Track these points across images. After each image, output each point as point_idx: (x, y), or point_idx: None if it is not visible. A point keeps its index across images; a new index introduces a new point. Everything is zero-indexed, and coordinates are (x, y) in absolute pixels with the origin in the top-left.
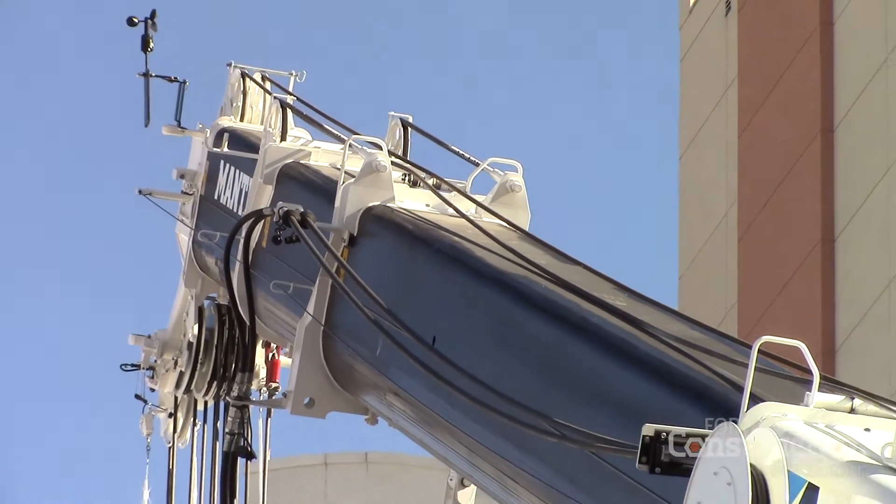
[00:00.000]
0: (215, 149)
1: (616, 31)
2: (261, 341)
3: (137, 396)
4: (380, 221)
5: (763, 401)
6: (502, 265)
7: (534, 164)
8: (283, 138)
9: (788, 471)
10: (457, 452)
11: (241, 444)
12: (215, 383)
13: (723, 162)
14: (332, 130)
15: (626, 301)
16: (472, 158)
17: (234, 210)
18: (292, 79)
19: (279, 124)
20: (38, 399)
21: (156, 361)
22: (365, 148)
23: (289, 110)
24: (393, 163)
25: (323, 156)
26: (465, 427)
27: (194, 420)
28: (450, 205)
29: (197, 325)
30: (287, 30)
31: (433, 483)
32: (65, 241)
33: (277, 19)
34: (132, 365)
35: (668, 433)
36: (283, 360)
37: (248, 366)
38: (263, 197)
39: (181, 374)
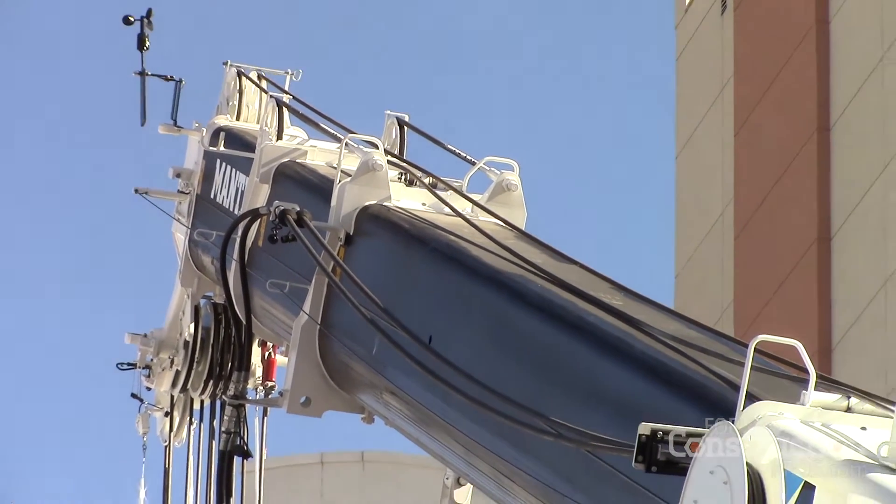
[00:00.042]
0: (211, 148)
1: (612, 30)
2: (257, 340)
3: (134, 395)
4: (376, 220)
5: (759, 400)
6: (499, 264)
7: (530, 163)
8: (279, 137)
9: (785, 470)
10: (453, 451)
11: (238, 443)
12: (211, 382)
13: (719, 161)
14: (329, 129)
15: (623, 300)
16: (468, 157)
17: (231, 209)
18: (288, 77)
19: (275, 123)
20: (34, 398)
21: (152, 360)
22: (361, 147)
23: (285, 109)
24: (389, 162)
25: (319, 155)
26: (462, 426)
27: (190, 419)
28: (446, 204)
29: (193, 323)
30: (283, 29)
31: (429, 482)
32: (61, 239)
33: (273, 18)
34: (128, 364)
35: (664, 432)
36: (280, 359)
37: (244, 365)
38: (260, 196)
39: (177, 373)
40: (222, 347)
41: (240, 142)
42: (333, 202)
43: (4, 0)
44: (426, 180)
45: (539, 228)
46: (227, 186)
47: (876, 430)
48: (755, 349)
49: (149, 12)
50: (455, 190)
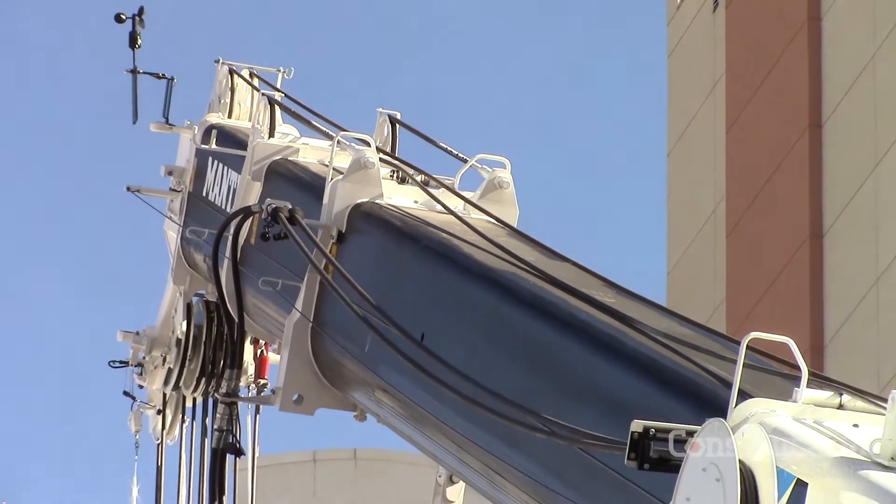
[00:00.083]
0: (203, 145)
1: (604, 27)
2: (249, 338)
3: (126, 393)
4: (368, 218)
5: (752, 397)
6: (491, 262)
7: (522, 161)
8: (271, 135)
9: (777, 467)
10: (445, 449)
11: (230, 440)
12: (204, 380)
13: (711, 158)
14: (321, 127)
15: (615, 297)
16: (460, 155)
17: (223, 207)
18: (280, 75)
19: (267, 121)
20: (27, 396)
21: (144, 358)
22: (353, 144)
23: (277, 107)
24: (381, 159)
25: (311, 152)
26: (454, 423)
27: (183, 417)
28: (438, 201)
29: (185, 321)
30: (274, 26)
31: (422, 479)
32: (53, 237)
33: (265, 16)
34: (121, 362)
35: (656, 429)
36: (272, 357)
37: (236, 362)
38: (252, 194)
39: (170, 371)
40: (214, 345)
41: (232, 140)
42: (325, 200)
43: None
44: (418, 178)
45: (531, 226)
46: (219, 184)
47: (868, 427)
48: (747, 346)
49: (140, 10)
50: (447, 187)
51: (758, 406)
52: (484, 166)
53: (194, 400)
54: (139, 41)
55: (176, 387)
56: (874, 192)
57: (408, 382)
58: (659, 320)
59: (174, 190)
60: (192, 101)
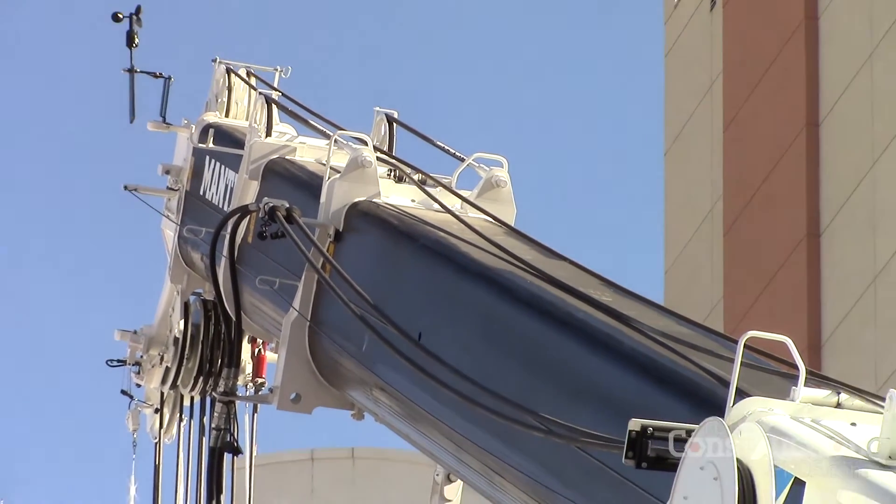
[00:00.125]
0: (200, 144)
1: (601, 26)
2: (247, 337)
3: (123, 392)
4: (365, 217)
5: (749, 396)
6: (488, 261)
7: (519, 160)
8: (268, 134)
9: (775, 466)
10: (443, 448)
11: (228, 439)
12: (201, 379)
13: (708, 157)
14: (318, 126)
15: (612, 296)
16: (457, 154)
17: (220, 206)
18: (277, 74)
19: (264, 120)
20: (23, 395)
21: (142, 357)
22: (350, 143)
23: (274, 106)
24: (378, 158)
25: (308, 151)
26: (452, 422)
27: (180, 416)
28: (435, 200)
29: (183, 320)
30: (272, 25)
31: (420, 478)
32: (50, 236)
33: (262, 15)
34: (118, 360)
35: (654, 428)
36: (270, 356)
37: (234, 361)
38: (249, 193)
39: (167, 370)
40: (212, 344)
41: (229, 138)
42: (323, 199)
43: None
44: (415, 177)
45: (528, 225)
46: (217, 183)
47: (866, 425)
48: (745, 345)
49: (138, 9)
50: (444, 186)
51: (755, 405)
52: (481, 165)
53: (192, 399)
54: (136, 40)
55: (173, 386)
56: (871, 191)
57: (405, 381)
58: (656, 319)
59: (171, 189)
60: (189, 100)
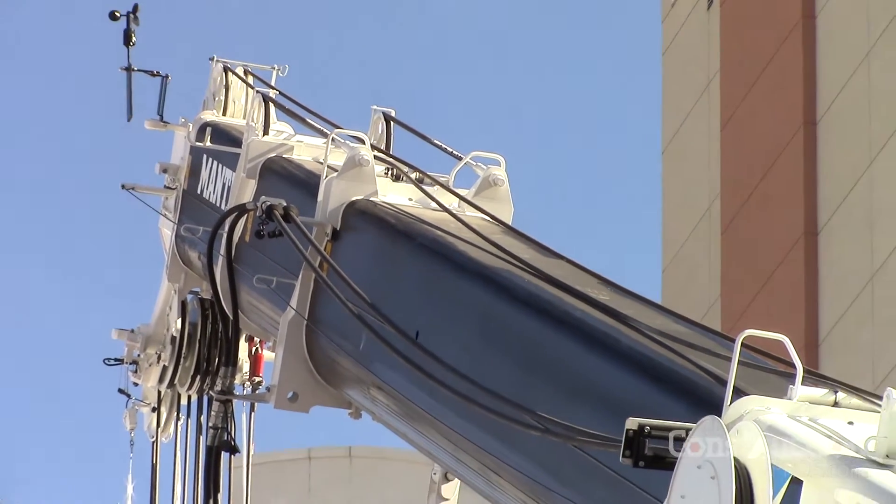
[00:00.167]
0: (198, 143)
1: (598, 25)
2: (244, 335)
3: (121, 391)
4: (363, 216)
5: (746, 394)
6: (485, 259)
7: (516, 158)
8: (265, 132)
9: (772, 464)
10: (440, 446)
11: (225, 438)
12: (198, 377)
13: (705, 156)
14: (315, 125)
15: (610, 295)
16: (454, 152)
17: (217, 204)
18: (275, 73)
19: (262, 118)
20: (20, 394)
21: (139, 356)
22: (347, 142)
23: (271, 104)
24: (376, 157)
25: (306, 150)
26: (449, 421)
27: (178, 414)
28: (433, 199)
29: (180, 319)
30: (269, 24)
31: (416, 477)
32: (47, 235)
33: (259, 13)
34: (115, 359)
35: (651, 427)
36: (267, 355)
37: (231, 360)
38: (246, 191)
39: (164, 369)
40: (209, 343)
41: (226, 137)
42: (320, 197)
43: None
44: (413, 175)
45: (526, 223)
46: (214, 182)
47: (863, 424)
48: (742, 344)
49: (135, 8)
50: (442, 185)
51: (753, 404)
52: (478, 164)
53: (189, 397)
54: (133, 39)
55: (171, 384)
56: (868, 190)
57: (402, 380)
58: (654, 318)
59: (169, 188)
60: (186, 99)
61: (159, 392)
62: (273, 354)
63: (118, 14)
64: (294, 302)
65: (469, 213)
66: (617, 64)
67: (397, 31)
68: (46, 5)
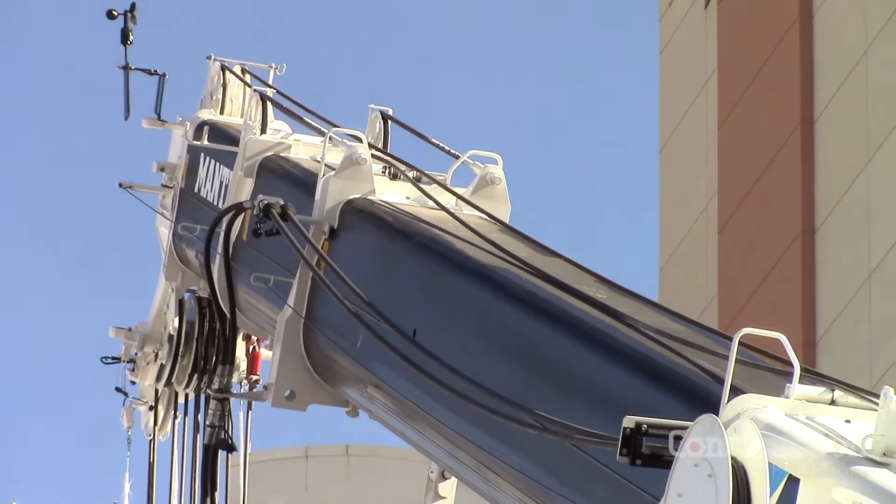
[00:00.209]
0: (195, 142)
1: (596, 24)
2: (241, 334)
3: (118, 389)
4: (360, 214)
5: (744, 393)
6: (483, 258)
7: (513, 157)
8: (263, 131)
9: (769, 463)
10: (437, 445)
11: (222, 436)
12: (196, 376)
13: (703, 154)
14: (312, 123)
15: (607, 293)
16: (452, 151)
17: (215, 203)
18: (272, 71)
19: (259, 117)
20: (18, 392)
21: (136, 354)
22: (345, 141)
23: (269, 103)
24: (373, 155)
25: (303, 149)
26: (446, 419)
27: (175, 413)
28: (430, 197)
29: (177, 317)
30: (267, 22)
31: (414, 475)
32: (45, 234)
33: (257, 12)
34: (113, 358)
35: (648, 425)
36: (264, 353)
37: (228, 358)
38: (244, 190)
39: (162, 367)
40: (206, 341)
41: (224, 136)
42: (317, 196)
43: None
44: (410, 174)
45: (523, 222)
46: (211, 180)
47: (860, 422)
48: (739, 342)
49: (132, 7)
50: (439, 183)
51: (750, 402)
52: (476, 162)
53: (186, 396)
54: (131, 38)
55: (168, 383)
56: (866, 189)
57: (400, 378)
58: (651, 316)
59: (166, 186)
60: (184, 98)
61: (157, 390)
62: (270, 353)
63: (115, 13)
64: (291, 300)
65: (466, 212)
66: (614, 62)
67: (395, 29)
68: (45, 5)
